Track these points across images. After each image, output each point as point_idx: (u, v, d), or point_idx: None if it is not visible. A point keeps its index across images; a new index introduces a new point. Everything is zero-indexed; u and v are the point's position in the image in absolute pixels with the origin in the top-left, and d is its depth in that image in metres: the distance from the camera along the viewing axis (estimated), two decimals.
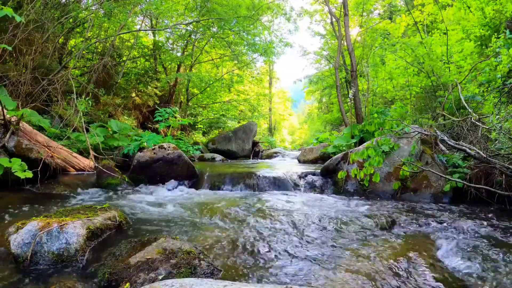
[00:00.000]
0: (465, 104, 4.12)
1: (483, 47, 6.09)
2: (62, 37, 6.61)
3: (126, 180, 3.98)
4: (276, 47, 11.56)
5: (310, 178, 4.12)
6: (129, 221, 2.31)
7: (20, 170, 3.01)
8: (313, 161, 7.38)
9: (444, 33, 6.88)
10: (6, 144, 3.48)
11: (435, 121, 5.02)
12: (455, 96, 4.94)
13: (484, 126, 3.55)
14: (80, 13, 6.44)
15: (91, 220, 1.92)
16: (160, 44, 10.47)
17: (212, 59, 12.68)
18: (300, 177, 4.16)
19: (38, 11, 5.24)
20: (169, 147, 4.32)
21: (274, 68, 26.20)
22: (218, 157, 8.81)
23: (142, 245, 1.69)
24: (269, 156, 10.49)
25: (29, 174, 3.04)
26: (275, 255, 1.78)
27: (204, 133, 13.25)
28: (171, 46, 11.30)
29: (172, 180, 4.17)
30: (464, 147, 3.31)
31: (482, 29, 6.08)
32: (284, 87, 31.72)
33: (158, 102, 10.39)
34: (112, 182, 3.76)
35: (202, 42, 10.96)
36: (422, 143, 3.78)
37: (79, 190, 3.55)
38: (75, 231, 1.74)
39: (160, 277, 1.39)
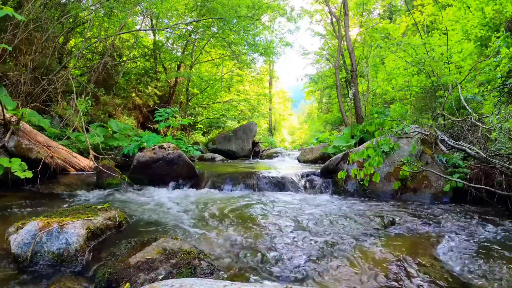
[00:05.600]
0: (465, 104, 4.13)
1: (483, 47, 6.09)
2: (62, 37, 6.61)
3: (126, 180, 3.98)
4: (276, 47, 11.55)
5: (310, 178, 4.11)
6: (129, 221, 2.31)
7: (19, 170, 3.02)
8: (313, 161, 7.39)
9: (444, 33, 6.89)
10: (6, 144, 3.47)
11: (435, 121, 5.02)
12: (455, 96, 4.94)
13: (484, 126, 3.55)
14: (80, 12, 6.44)
15: (91, 220, 1.92)
16: (160, 44, 10.47)
17: (212, 59, 12.67)
18: (300, 177, 4.16)
19: (38, 11, 5.24)
20: (169, 147, 4.32)
21: (274, 68, 26.21)
22: (218, 157, 8.82)
23: (142, 245, 1.69)
24: (269, 156, 10.50)
25: (29, 174, 3.04)
26: (275, 255, 1.78)
27: (204, 133, 13.25)
28: (171, 46, 11.30)
29: (172, 180, 4.17)
30: (464, 147, 3.32)
31: (482, 30, 6.08)
32: (284, 87, 31.74)
33: (158, 102, 10.39)
34: (112, 182, 3.76)
35: (202, 42, 10.96)
36: (422, 143, 3.78)
37: (79, 190, 3.54)
38: (75, 231, 1.73)
39: (160, 277, 1.39)
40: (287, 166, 6.16)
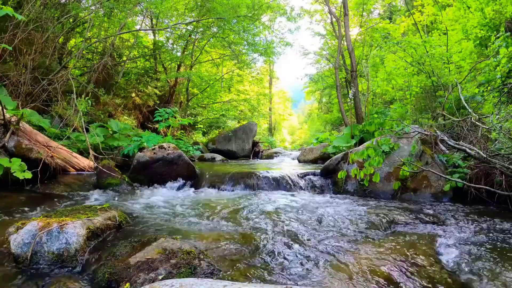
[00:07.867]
0: (465, 104, 4.13)
1: (483, 47, 6.09)
2: (62, 37, 6.60)
3: (126, 180, 3.98)
4: (276, 47, 11.57)
5: (310, 178, 4.11)
6: (129, 221, 2.31)
7: (19, 170, 3.01)
8: (313, 161, 7.38)
9: (444, 33, 6.89)
10: (6, 144, 3.47)
11: (435, 121, 5.02)
12: (455, 96, 4.94)
13: (484, 126, 3.55)
14: (80, 12, 6.44)
15: (91, 220, 1.92)
16: (160, 44, 10.48)
17: (212, 59, 12.68)
18: (300, 177, 4.16)
19: (38, 11, 5.24)
20: (169, 147, 4.32)
21: (274, 68, 26.22)
22: (218, 157, 8.82)
23: (142, 245, 1.69)
24: (269, 156, 10.50)
25: (28, 175, 3.03)
26: (275, 255, 1.78)
27: (204, 133, 13.26)
28: (171, 46, 11.31)
29: (172, 180, 4.17)
30: (464, 147, 3.31)
31: (482, 30, 6.08)
32: (284, 87, 31.76)
33: (158, 102, 10.39)
34: (112, 182, 3.76)
35: (202, 42, 10.97)
36: (422, 143, 3.78)
37: (79, 190, 3.54)
38: (75, 231, 1.73)
39: (160, 277, 1.39)
40: (287, 166, 6.16)
